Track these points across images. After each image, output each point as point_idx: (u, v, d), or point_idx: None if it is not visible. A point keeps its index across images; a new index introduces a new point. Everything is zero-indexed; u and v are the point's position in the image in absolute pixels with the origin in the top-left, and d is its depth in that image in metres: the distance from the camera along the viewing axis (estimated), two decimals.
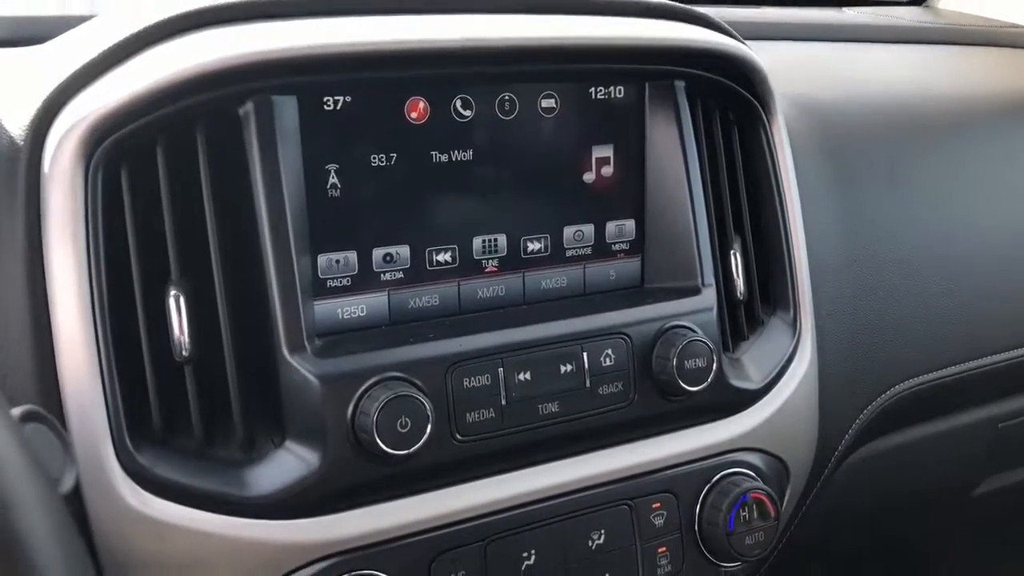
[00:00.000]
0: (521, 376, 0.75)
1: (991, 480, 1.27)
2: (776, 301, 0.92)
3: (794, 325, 0.91)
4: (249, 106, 0.68)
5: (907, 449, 1.11)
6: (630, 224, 0.85)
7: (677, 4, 0.86)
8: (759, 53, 0.87)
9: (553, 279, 0.82)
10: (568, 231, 0.82)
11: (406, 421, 0.68)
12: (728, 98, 0.88)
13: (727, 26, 0.88)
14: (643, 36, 0.81)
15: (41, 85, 0.67)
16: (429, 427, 0.68)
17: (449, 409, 0.72)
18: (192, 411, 0.68)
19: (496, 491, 0.76)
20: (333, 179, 0.72)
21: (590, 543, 0.80)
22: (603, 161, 0.82)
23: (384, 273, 0.75)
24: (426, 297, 0.77)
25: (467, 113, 0.76)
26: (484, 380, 0.73)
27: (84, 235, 0.64)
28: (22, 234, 0.65)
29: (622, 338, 0.79)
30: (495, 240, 0.79)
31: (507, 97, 0.77)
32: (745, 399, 0.87)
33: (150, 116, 0.66)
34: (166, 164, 0.67)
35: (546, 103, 0.79)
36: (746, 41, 0.88)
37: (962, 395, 1.12)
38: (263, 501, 0.68)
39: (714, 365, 0.80)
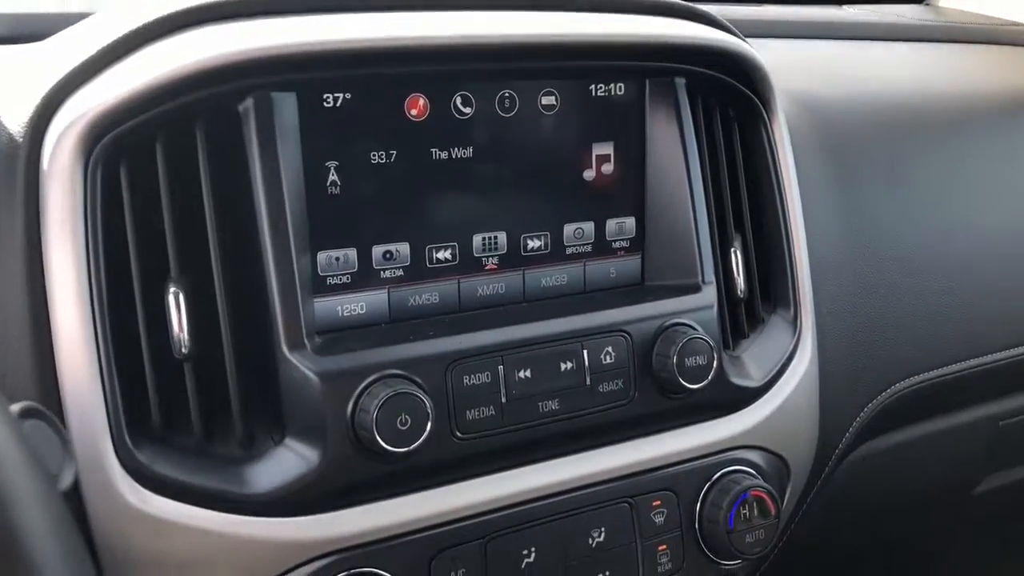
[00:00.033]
0: (521, 373, 0.75)
1: (991, 478, 1.27)
2: (776, 299, 0.92)
3: (794, 323, 0.91)
4: (249, 103, 0.68)
5: (907, 447, 1.11)
6: (630, 221, 0.85)
7: (678, 1, 0.86)
8: (760, 51, 0.87)
9: (553, 277, 0.82)
10: (568, 228, 0.82)
11: (406, 418, 0.67)
12: (729, 95, 0.88)
13: (728, 23, 0.88)
14: (644, 33, 0.81)
15: (40, 82, 0.67)
16: (429, 424, 0.68)
17: (449, 406, 0.72)
18: (191, 408, 0.68)
19: (496, 489, 0.76)
20: (333, 176, 0.72)
21: (590, 541, 0.79)
22: (603, 158, 0.82)
23: (384, 270, 0.75)
24: (426, 294, 0.77)
25: (467, 110, 0.76)
26: (484, 377, 0.73)
27: (83, 232, 0.64)
28: (21, 231, 0.65)
29: (622, 336, 0.79)
30: (495, 238, 0.79)
31: (507, 94, 0.77)
32: (745, 397, 0.87)
33: (149, 112, 0.65)
34: (165, 161, 0.67)
35: (546, 100, 0.79)
36: (747, 39, 0.88)
37: (963, 393, 1.12)
38: (263, 498, 0.68)
39: (714, 363, 0.80)
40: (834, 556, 1.37)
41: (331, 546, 0.70)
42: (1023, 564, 1.52)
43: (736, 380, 0.85)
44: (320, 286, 0.73)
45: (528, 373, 0.75)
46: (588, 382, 0.77)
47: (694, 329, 0.80)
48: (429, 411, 0.68)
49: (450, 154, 0.76)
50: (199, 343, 0.68)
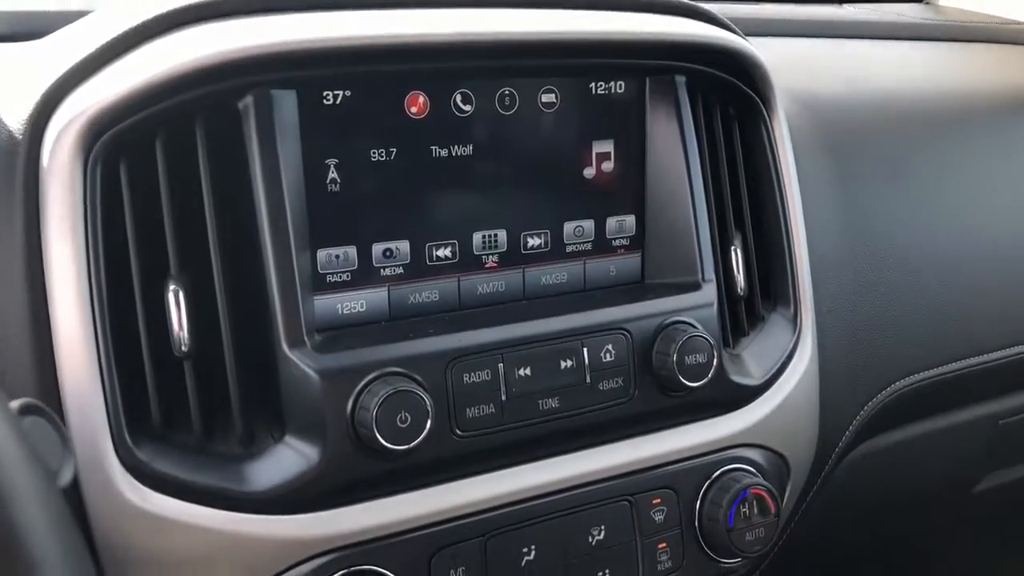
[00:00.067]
0: (521, 371, 0.75)
1: (991, 477, 1.27)
2: (776, 297, 0.92)
3: (794, 321, 0.90)
4: (248, 100, 0.68)
5: (907, 446, 1.11)
6: (630, 220, 0.85)
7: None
8: (760, 49, 0.87)
9: (553, 275, 0.82)
10: (568, 227, 0.82)
11: (406, 416, 0.67)
12: (729, 93, 0.88)
13: (728, 21, 0.88)
14: (644, 31, 0.81)
15: (40, 79, 0.67)
16: (429, 422, 0.68)
17: (449, 404, 0.72)
18: (191, 406, 0.68)
19: (496, 486, 0.76)
20: (332, 174, 0.72)
21: (590, 539, 0.79)
22: (603, 156, 0.82)
23: (384, 268, 0.75)
24: (426, 292, 0.77)
25: (467, 108, 0.76)
26: (484, 375, 0.73)
27: (83, 229, 0.64)
28: (21, 229, 0.64)
29: (622, 334, 0.79)
30: (495, 235, 0.79)
31: (507, 92, 0.77)
32: (745, 395, 0.87)
33: (149, 110, 0.65)
34: (165, 158, 0.67)
35: (546, 98, 0.79)
36: (747, 37, 0.88)
37: (962, 392, 1.12)
38: (262, 496, 0.68)
39: (714, 361, 0.80)
40: (834, 554, 1.37)
41: (331, 544, 0.70)
42: (1023, 563, 1.52)
43: (736, 378, 0.85)
44: (320, 284, 0.73)
45: (528, 371, 0.75)
46: (588, 380, 0.77)
47: (694, 327, 0.80)
48: (429, 409, 0.68)
49: (450, 152, 0.76)
50: (199, 341, 0.68)
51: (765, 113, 0.89)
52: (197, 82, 0.66)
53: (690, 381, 0.79)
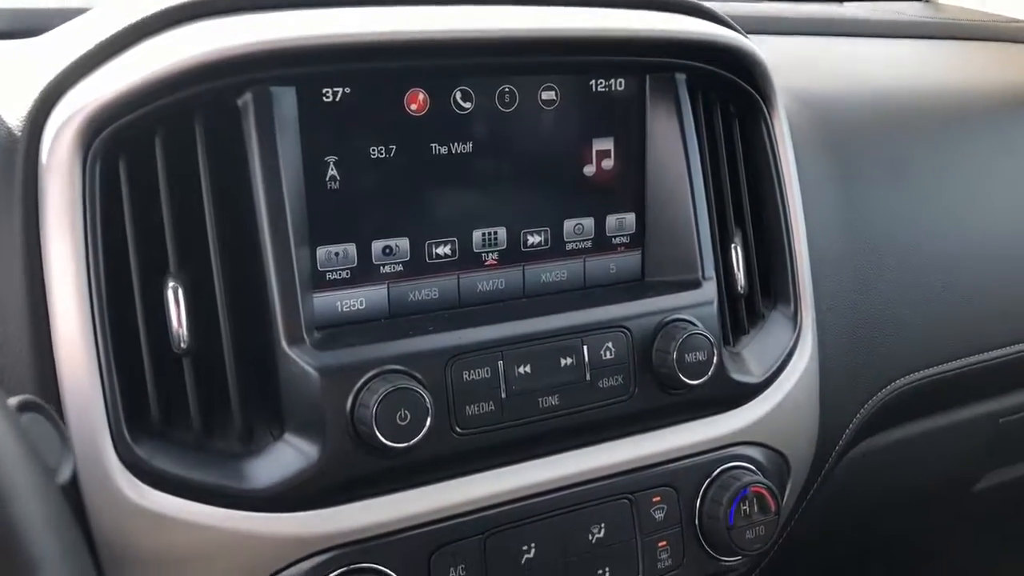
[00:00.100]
0: (521, 369, 0.75)
1: (991, 475, 1.27)
2: (777, 295, 0.92)
3: (795, 319, 0.90)
4: (248, 97, 0.68)
5: (907, 444, 1.11)
6: (630, 217, 0.84)
7: None
8: (760, 47, 0.87)
9: (553, 272, 0.82)
10: (568, 224, 0.82)
11: (405, 414, 0.67)
12: (729, 91, 0.88)
13: (729, 19, 0.87)
14: (644, 28, 0.81)
15: (38, 76, 0.67)
16: (428, 420, 0.68)
17: (449, 402, 0.72)
18: (191, 403, 0.68)
19: (496, 484, 0.76)
20: (332, 171, 0.72)
21: (590, 537, 0.79)
22: (603, 154, 0.82)
23: (383, 266, 0.75)
24: (425, 290, 0.77)
25: (467, 105, 0.76)
26: (484, 373, 0.73)
27: (82, 226, 0.64)
28: (20, 225, 0.64)
29: (622, 331, 0.79)
30: (495, 233, 0.79)
31: (507, 89, 0.77)
32: (746, 393, 0.86)
33: (148, 107, 0.65)
34: (164, 155, 0.67)
35: (546, 95, 0.79)
36: (748, 35, 0.88)
37: (962, 390, 1.12)
38: (262, 494, 0.68)
39: (714, 359, 0.80)
40: (834, 553, 1.37)
41: (330, 541, 0.70)
42: (1022, 561, 1.52)
43: (736, 376, 0.85)
44: (319, 281, 0.72)
45: (528, 369, 0.75)
46: (588, 378, 0.77)
47: (694, 325, 0.80)
48: (429, 406, 0.68)
49: (450, 149, 0.76)
50: (198, 338, 0.68)
51: (765, 111, 0.89)
52: (196, 79, 0.66)
53: (690, 379, 0.79)
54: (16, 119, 0.66)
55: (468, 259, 0.78)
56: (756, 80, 0.87)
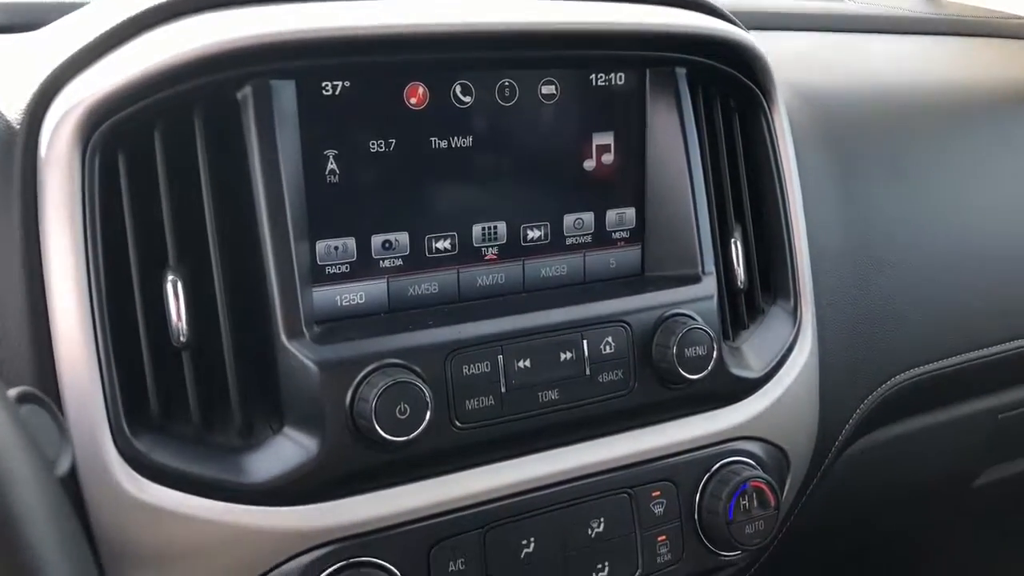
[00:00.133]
0: (521, 363, 0.75)
1: (991, 471, 1.27)
2: (777, 290, 0.92)
3: (795, 314, 0.90)
4: (247, 90, 0.68)
5: (907, 440, 1.11)
6: (630, 212, 0.84)
7: None
8: (761, 42, 0.87)
9: (553, 267, 0.82)
10: (568, 219, 0.82)
11: (405, 408, 0.67)
12: (729, 86, 0.88)
13: (729, 14, 0.87)
14: (645, 22, 0.81)
15: (37, 70, 0.67)
16: (428, 414, 0.68)
17: (448, 396, 0.72)
18: (190, 397, 0.68)
19: (495, 478, 0.76)
20: (332, 165, 0.72)
21: (589, 531, 0.79)
22: (603, 148, 0.82)
23: (383, 260, 0.75)
24: (425, 284, 0.76)
25: (467, 99, 0.76)
26: (484, 367, 0.73)
27: (81, 220, 0.64)
28: (19, 219, 0.64)
29: (622, 326, 0.79)
30: (495, 227, 0.79)
31: (507, 83, 0.77)
32: (745, 388, 0.86)
33: (147, 100, 0.65)
34: (163, 148, 0.67)
35: (546, 89, 0.79)
36: (748, 30, 0.88)
37: (962, 386, 1.12)
38: (261, 487, 0.68)
39: (714, 353, 0.80)
40: (834, 548, 1.37)
41: (329, 535, 0.70)
42: (1022, 556, 1.52)
43: (736, 371, 0.85)
44: (319, 275, 0.72)
45: (528, 363, 0.75)
46: (588, 372, 0.77)
47: (694, 320, 0.80)
48: (428, 400, 0.68)
49: (450, 143, 0.75)
50: (197, 331, 0.68)
51: (766, 105, 0.89)
52: (195, 72, 0.66)
53: (690, 373, 0.79)
54: (15, 113, 0.66)
55: (468, 253, 0.78)
56: (756, 75, 0.87)
